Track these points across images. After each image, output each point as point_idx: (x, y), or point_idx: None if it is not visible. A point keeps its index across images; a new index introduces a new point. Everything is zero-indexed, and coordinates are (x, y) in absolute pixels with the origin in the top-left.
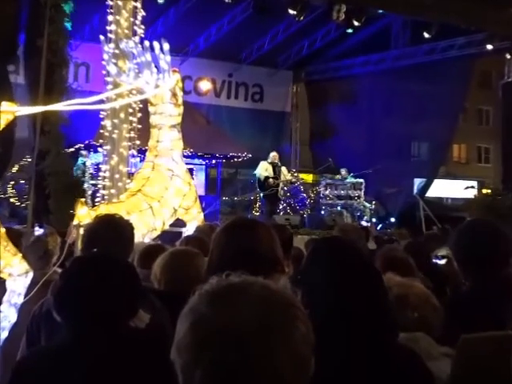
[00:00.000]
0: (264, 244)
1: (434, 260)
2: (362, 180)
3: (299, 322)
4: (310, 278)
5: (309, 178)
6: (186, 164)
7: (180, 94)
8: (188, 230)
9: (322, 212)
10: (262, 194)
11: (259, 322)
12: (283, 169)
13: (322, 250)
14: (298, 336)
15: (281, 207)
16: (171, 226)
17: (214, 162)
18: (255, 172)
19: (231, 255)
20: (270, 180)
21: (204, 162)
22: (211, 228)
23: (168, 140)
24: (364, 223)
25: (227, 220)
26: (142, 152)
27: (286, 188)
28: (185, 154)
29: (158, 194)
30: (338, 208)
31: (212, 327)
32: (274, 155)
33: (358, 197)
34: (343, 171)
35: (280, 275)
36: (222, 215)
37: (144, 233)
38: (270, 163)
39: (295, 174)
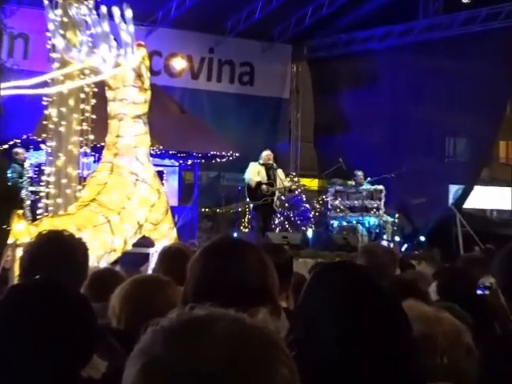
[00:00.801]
0: (253, 273)
1: (478, 291)
2: (381, 187)
3: (281, 365)
4: (310, 311)
5: (313, 184)
6: (155, 165)
7: (147, 75)
8: (157, 252)
9: (330, 228)
10: (252, 205)
11: (226, 365)
12: (279, 172)
13: (329, 277)
14: (279, 382)
15: (277, 222)
16: (135, 245)
17: (189, 162)
18: (244, 176)
19: (209, 287)
20: (264, 187)
21: (177, 163)
22: (184, 250)
23: (131, 134)
24: (385, 243)
25: (207, 238)
26: (97, 150)
27: (283, 197)
28: (152, 152)
29: (118, 205)
30: (351, 223)
31: (167, 371)
32: (267, 155)
33: (377, 208)
34: (359, 174)
35: (265, 309)
36: (200, 232)
37: (99, 255)
38: (262, 165)
39: (295, 180)
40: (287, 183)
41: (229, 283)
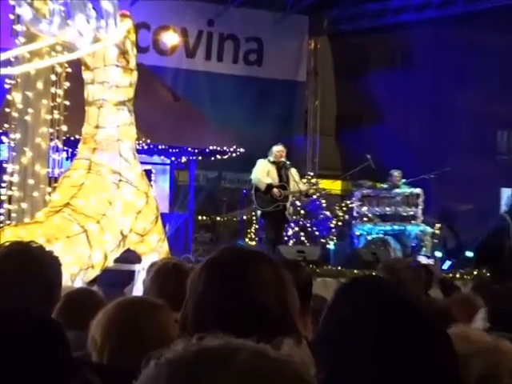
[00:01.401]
0: (271, 292)
1: None
2: (418, 190)
3: None
4: (334, 339)
5: (335, 186)
6: (142, 163)
7: (133, 52)
8: (144, 269)
9: (356, 241)
10: (260, 212)
11: None
12: (293, 172)
13: (353, 297)
14: None
15: (290, 233)
16: (118, 261)
17: (183, 160)
18: (251, 177)
19: (216, 309)
20: (275, 190)
21: (168, 161)
22: (181, 266)
23: (113, 125)
24: (423, 259)
25: (205, 252)
26: (71, 144)
27: (298, 203)
28: (139, 147)
29: (97, 211)
30: (382, 235)
31: None
32: (279, 151)
33: (414, 217)
34: (396, 175)
35: (290, 339)
36: (196, 245)
37: (74, 272)
38: (272, 163)
39: (313, 181)
40: (303, 186)
41: (240, 305)
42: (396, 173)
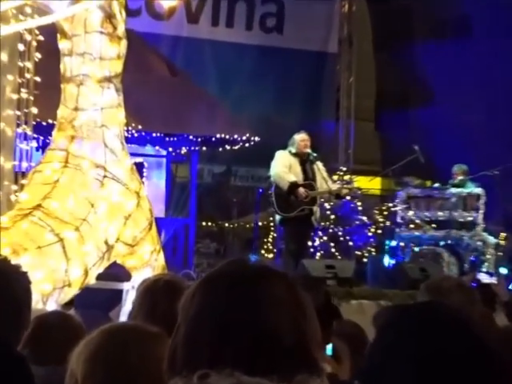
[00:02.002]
0: (286, 318)
1: None
2: (479, 190)
3: None
4: (378, 371)
5: (374, 185)
6: (132, 155)
7: (121, 15)
8: (134, 287)
9: (400, 254)
10: (279, 218)
11: None
12: (320, 166)
13: (405, 330)
14: None
15: (317, 243)
16: (101, 278)
17: (183, 151)
18: (270, 173)
19: (211, 339)
20: (301, 190)
21: (165, 152)
22: (181, 285)
23: (96, 107)
24: (485, 277)
25: (210, 267)
26: (42, 130)
27: (327, 205)
28: (128, 135)
29: (76, 215)
30: (433, 246)
31: None
32: (302, 139)
33: (473, 224)
34: (461, 169)
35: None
36: (199, 258)
37: (46, 291)
38: (295, 155)
39: (346, 178)
40: (333, 184)
41: (244, 333)
42: (462, 167)
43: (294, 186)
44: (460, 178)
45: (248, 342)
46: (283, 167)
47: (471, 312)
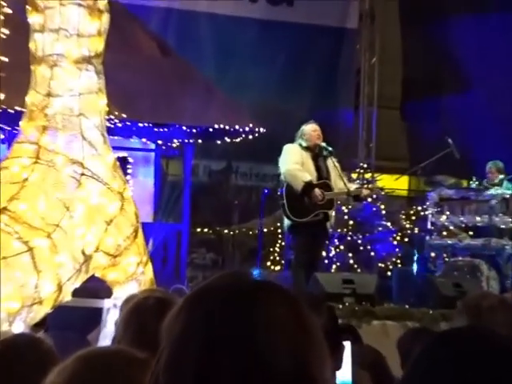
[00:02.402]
0: (279, 344)
1: None
2: None
3: None
4: None
5: (400, 184)
6: (114, 149)
7: None
8: (116, 305)
9: (431, 266)
10: (289, 223)
11: None
12: (335, 162)
13: (441, 360)
14: None
15: (333, 253)
16: (78, 294)
17: (175, 144)
18: (281, 170)
19: (196, 366)
20: (317, 191)
21: (154, 145)
22: (165, 303)
23: (73, 93)
24: None
25: (202, 281)
26: (8, 120)
27: (345, 208)
28: (110, 125)
29: (48, 220)
30: (469, 257)
31: None
32: (315, 130)
33: None
34: (497, 166)
35: None
36: (193, 269)
37: (13, 310)
38: (306, 149)
39: (367, 176)
40: (351, 184)
41: (235, 361)
42: (498, 164)
43: (309, 186)
44: (500, 176)
45: (239, 367)
46: (296, 164)
47: None
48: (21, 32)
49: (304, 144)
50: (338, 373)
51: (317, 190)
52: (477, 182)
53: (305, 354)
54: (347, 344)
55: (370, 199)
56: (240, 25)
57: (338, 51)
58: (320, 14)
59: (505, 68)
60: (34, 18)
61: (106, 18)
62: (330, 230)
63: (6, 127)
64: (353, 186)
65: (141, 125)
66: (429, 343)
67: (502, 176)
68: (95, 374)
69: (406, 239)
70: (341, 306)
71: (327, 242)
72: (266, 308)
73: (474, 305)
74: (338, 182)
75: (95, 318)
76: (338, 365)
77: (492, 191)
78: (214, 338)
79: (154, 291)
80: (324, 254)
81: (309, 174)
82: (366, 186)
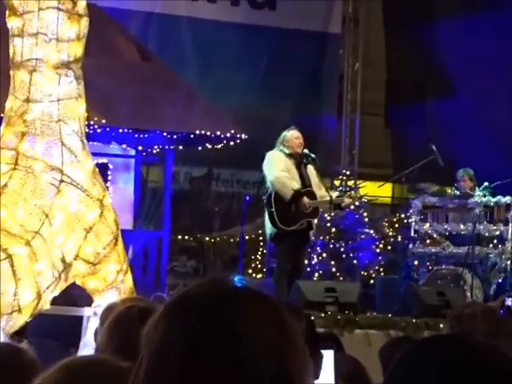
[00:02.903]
0: (262, 355)
1: None
2: (508, 199)
3: None
4: None
5: (383, 192)
6: (94, 155)
7: None
8: (96, 314)
9: (414, 274)
10: (272, 231)
11: None
12: (311, 169)
13: (421, 370)
14: None
15: (315, 261)
16: (57, 303)
17: (156, 150)
18: (269, 178)
19: (182, 368)
20: (305, 200)
21: (134, 151)
22: (148, 313)
23: (52, 98)
24: None
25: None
26: None
27: (326, 216)
28: (89, 131)
29: (27, 228)
30: (453, 265)
31: None
32: (297, 137)
33: (501, 239)
34: (462, 174)
35: None
36: (174, 277)
37: None
38: (289, 156)
39: (350, 184)
40: (332, 192)
41: (216, 373)
42: (463, 172)
43: (298, 194)
44: (471, 184)
45: (221, 375)
46: (283, 171)
47: (499, 344)
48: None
49: (286, 151)
50: (320, 381)
51: (305, 199)
52: (453, 190)
53: (287, 360)
54: (330, 353)
55: (352, 207)
56: (222, 29)
57: (320, 56)
58: (303, 19)
59: (491, 73)
60: (12, 22)
61: (85, 22)
62: (312, 238)
63: None
64: (333, 194)
65: (120, 130)
66: (408, 350)
67: (472, 184)
68: (79, 383)
69: (389, 247)
70: (323, 315)
71: (310, 250)
72: (247, 315)
73: (457, 313)
74: (317, 190)
75: (75, 326)
76: (316, 373)
77: (476, 199)
78: (195, 346)
79: (135, 300)
80: (306, 262)
81: (294, 181)
82: (348, 194)
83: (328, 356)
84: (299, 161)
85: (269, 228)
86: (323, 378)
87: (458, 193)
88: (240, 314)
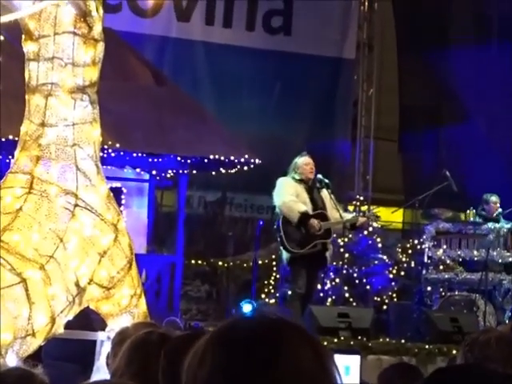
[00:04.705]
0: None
1: None
2: None
3: None
4: None
5: (396, 217)
6: (108, 179)
7: (98, 13)
8: (110, 338)
9: (428, 300)
10: (288, 256)
11: None
12: (327, 193)
13: None
14: None
15: (328, 286)
16: (71, 327)
17: (170, 174)
18: (276, 203)
19: None
20: (314, 221)
21: (148, 176)
22: (167, 339)
23: (67, 122)
24: None
25: (200, 314)
26: (2, 148)
27: (340, 241)
28: (104, 154)
29: (41, 252)
30: (467, 291)
31: None
32: (307, 163)
33: None
34: (493, 201)
35: None
36: (187, 302)
37: (6, 341)
38: (299, 181)
39: (364, 209)
40: (346, 214)
41: None
42: (493, 198)
43: (305, 216)
44: (499, 210)
45: None
46: (291, 196)
47: None
48: (16, 60)
49: (297, 177)
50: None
51: (313, 220)
52: (477, 214)
53: None
54: (357, 357)
55: (366, 232)
56: (237, 54)
57: (335, 81)
58: (317, 44)
59: (504, 98)
60: (28, 47)
61: (100, 46)
62: (329, 260)
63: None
64: (348, 216)
65: (134, 155)
66: (424, 381)
67: (500, 209)
68: None
69: (403, 273)
70: (336, 340)
71: (324, 274)
72: (291, 354)
73: (471, 340)
74: (333, 213)
75: (89, 350)
76: None
77: (490, 225)
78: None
79: (147, 325)
80: (319, 286)
81: (305, 205)
82: (361, 215)
83: (355, 360)
84: (311, 186)
85: (284, 253)
86: (350, 379)
87: (476, 218)
88: (284, 355)
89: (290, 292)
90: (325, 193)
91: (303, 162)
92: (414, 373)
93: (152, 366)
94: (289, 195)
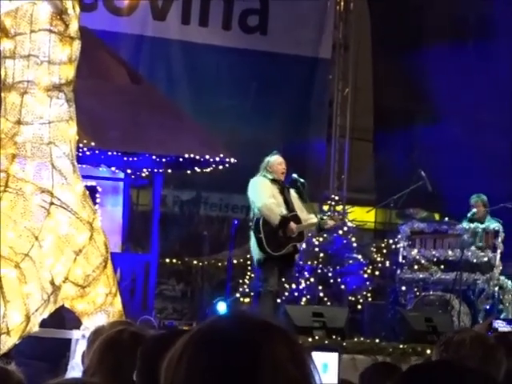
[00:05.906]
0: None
1: None
2: (497, 226)
3: None
4: None
5: (371, 217)
6: (84, 178)
7: (74, 11)
8: (85, 336)
9: (402, 300)
10: (261, 256)
11: None
12: (293, 193)
13: None
14: None
15: (303, 286)
16: (46, 325)
17: (145, 173)
18: (256, 204)
19: None
20: (293, 225)
21: (123, 174)
22: (140, 338)
23: (43, 120)
24: (503, 326)
25: (176, 313)
26: None
27: (314, 241)
28: (79, 153)
29: (16, 250)
30: (441, 291)
31: None
32: (281, 163)
33: (489, 265)
34: (477, 200)
35: None
36: (161, 301)
37: None
38: (272, 181)
39: (339, 209)
40: (312, 215)
41: None
42: (477, 198)
43: (285, 220)
44: (483, 210)
45: None
46: (270, 197)
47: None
48: None
49: (270, 177)
50: (325, 381)
51: (292, 224)
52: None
53: None
54: (334, 355)
55: (340, 231)
56: (213, 53)
57: (311, 81)
58: (293, 44)
59: (478, 99)
60: (4, 44)
61: (77, 44)
62: (300, 263)
63: None
64: (312, 216)
65: (110, 153)
66: (399, 377)
67: (485, 210)
68: None
69: (377, 272)
70: (310, 340)
71: (297, 274)
72: (270, 355)
73: (446, 340)
74: (299, 213)
75: (63, 348)
76: None
77: (464, 225)
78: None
79: (123, 323)
80: (294, 286)
81: (280, 207)
82: (331, 216)
83: (333, 358)
84: (282, 186)
85: (256, 253)
86: (328, 376)
87: (465, 224)
88: (261, 353)
89: (262, 290)
90: (292, 193)
91: (276, 161)
92: (395, 372)
93: (124, 364)
94: (267, 197)
